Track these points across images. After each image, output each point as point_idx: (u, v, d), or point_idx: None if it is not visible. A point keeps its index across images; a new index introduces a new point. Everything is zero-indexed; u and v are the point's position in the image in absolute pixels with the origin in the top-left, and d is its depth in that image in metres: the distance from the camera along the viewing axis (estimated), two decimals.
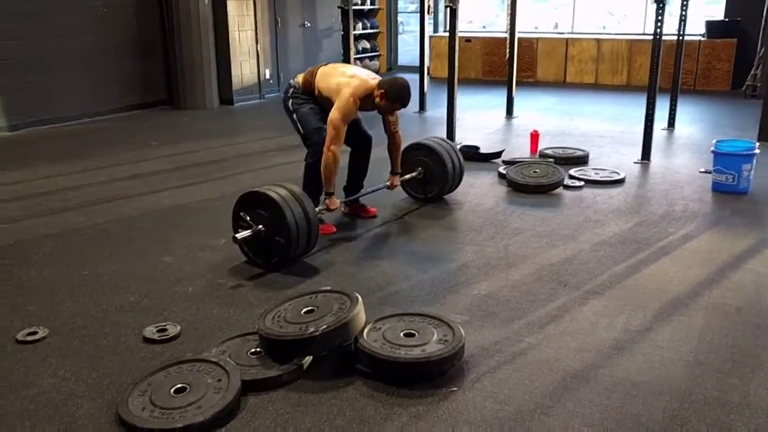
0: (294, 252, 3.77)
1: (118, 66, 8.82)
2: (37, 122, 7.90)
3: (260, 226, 3.75)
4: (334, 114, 4.15)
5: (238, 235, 3.74)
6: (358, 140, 4.61)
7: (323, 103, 4.32)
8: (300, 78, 4.47)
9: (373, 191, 4.74)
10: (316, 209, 3.99)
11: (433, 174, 5.00)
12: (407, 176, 4.94)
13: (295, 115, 4.42)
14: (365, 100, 4.24)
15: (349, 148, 4.66)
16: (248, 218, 3.78)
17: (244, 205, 3.85)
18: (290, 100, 4.45)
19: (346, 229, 4.59)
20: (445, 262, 3.97)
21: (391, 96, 4.21)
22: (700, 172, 5.79)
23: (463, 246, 4.21)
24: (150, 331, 3.10)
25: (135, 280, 3.72)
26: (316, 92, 4.38)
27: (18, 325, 3.19)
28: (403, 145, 4.77)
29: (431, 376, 2.68)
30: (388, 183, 4.75)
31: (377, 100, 4.24)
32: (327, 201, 4.27)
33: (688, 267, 3.83)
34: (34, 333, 3.10)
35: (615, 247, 4.15)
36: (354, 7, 8.91)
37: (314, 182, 4.34)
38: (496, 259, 3.98)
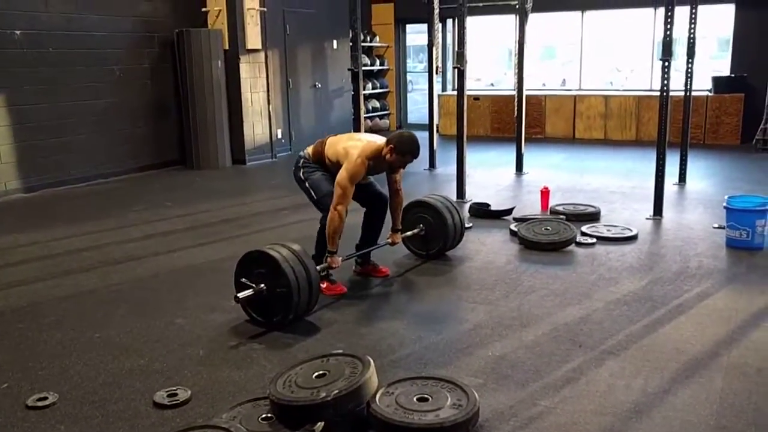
0: (295, 310, 3.78)
1: (133, 127, 8.97)
2: (53, 183, 8.00)
3: (262, 285, 3.77)
4: (341, 174, 4.19)
5: (240, 295, 3.76)
6: (372, 200, 4.65)
7: (333, 170, 4.36)
8: (310, 149, 4.56)
9: (374, 249, 4.74)
10: (318, 267, 4.02)
11: (434, 231, 5.03)
12: (408, 233, 4.97)
13: (307, 183, 4.45)
14: (374, 160, 4.28)
15: (363, 208, 4.70)
16: (250, 278, 3.81)
17: (245, 265, 3.89)
18: (301, 170, 4.51)
19: (357, 288, 4.57)
20: (457, 322, 3.94)
21: (400, 149, 4.25)
22: (714, 227, 5.76)
23: (476, 305, 4.18)
24: (160, 396, 3.07)
25: (146, 343, 3.70)
26: (327, 160, 4.44)
27: (28, 390, 3.17)
28: (404, 203, 4.81)
29: None
30: (389, 240, 4.75)
31: (388, 156, 4.27)
32: (329, 259, 4.27)
33: (705, 326, 3.78)
34: (44, 398, 3.08)
35: (630, 305, 4.10)
36: (364, 68, 9.07)
37: (323, 247, 4.36)
38: (510, 318, 3.94)
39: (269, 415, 2.76)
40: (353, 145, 4.29)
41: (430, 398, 2.78)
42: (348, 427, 2.76)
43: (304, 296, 3.78)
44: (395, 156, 4.26)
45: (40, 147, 7.87)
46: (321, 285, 4.35)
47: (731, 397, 2.99)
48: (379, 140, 4.36)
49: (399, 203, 4.70)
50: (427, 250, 5.10)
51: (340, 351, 3.15)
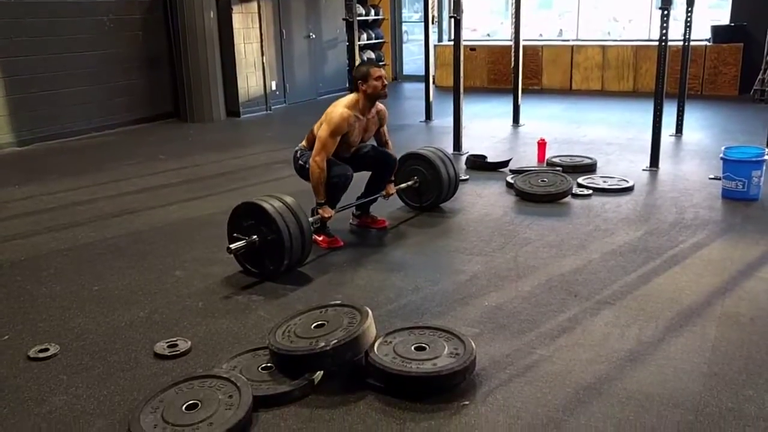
0: (288, 258, 3.78)
1: (125, 80, 8.86)
2: (45, 137, 7.94)
3: (254, 237, 3.79)
4: (323, 128, 4.22)
5: (233, 246, 3.79)
6: (381, 167, 4.66)
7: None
8: (303, 142, 4.51)
9: (369, 201, 4.74)
10: (311, 219, 4.03)
11: (428, 183, 5.03)
12: (403, 185, 4.98)
13: (307, 166, 4.37)
14: (357, 108, 4.30)
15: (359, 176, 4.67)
16: (242, 231, 3.84)
17: (236, 219, 3.91)
18: (299, 159, 4.47)
19: (355, 240, 4.59)
20: (454, 273, 3.96)
21: (362, 74, 4.27)
22: (710, 178, 5.77)
23: (472, 257, 4.20)
24: (161, 347, 3.10)
25: (145, 295, 3.72)
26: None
27: (29, 342, 3.20)
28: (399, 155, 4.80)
29: (443, 390, 2.67)
30: (383, 192, 4.75)
31: (365, 89, 4.28)
32: (320, 210, 4.26)
33: (699, 276, 3.81)
34: (46, 350, 3.10)
35: (625, 256, 4.13)
36: (359, 18, 8.93)
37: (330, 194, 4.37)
38: (506, 269, 3.96)
39: (269, 364, 2.80)
40: (332, 109, 4.30)
41: (427, 347, 2.81)
42: (346, 377, 2.81)
43: (297, 244, 3.78)
44: (367, 84, 4.26)
45: (31, 100, 7.78)
46: (318, 238, 4.37)
47: (724, 345, 3.04)
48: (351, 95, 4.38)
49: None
50: (421, 202, 5.11)
51: (339, 301, 3.18)
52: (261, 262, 3.87)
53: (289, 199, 3.89)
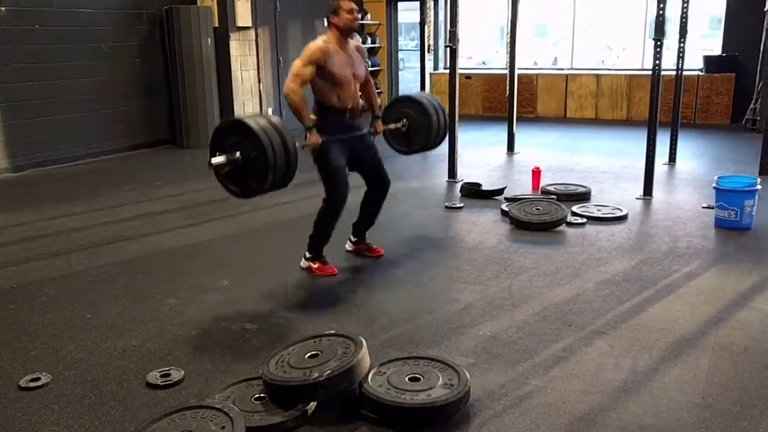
0: (273, 174, 3.65)
1: (122, 106, 8.90)
2: (41, 163, 7.94)
3: (237, 153, 3.66)
4: (296, 61, 4.14)
5: (213, 160, 3.66)
6: (375, 178, 4.57)
7: (324, 88, 4.25)
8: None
9: (358, 135, 4.46)
10: (298, 144, 3.88)
11: (417, 127, 4.97)
12: (391, 126, 4.90)
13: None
14: (332, 42, 4.20)
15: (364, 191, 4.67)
16: (225, 151, 3.68)
17: (220, 134, 3.76)
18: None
19: (349, 269, 4.58)
20: (449, 302, 3.96)
21: (334, 8, 4.21)
22: (703, 207, 5.79)
23: (467, 285, 4.20)
24: (153, 377, 3.08)
25: (138, 324, 3.71)
26: (314, 93, 4.31)
27: (21, 371, 3.18)
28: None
29: (437, 421, 2.66)
30: (371, 129, 4.66)
31: (337, 22, 4.21)
32: (307, 135, 4.12)
33: (693, 306, 3.82)
34: (37, 379, 3.08)
35: (619, 285, 4.14)
36: None
37: (321, 228, 4.33)
38: (501, 299, 3.97)
39: (262, 395, 2.79)
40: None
41: (421, 378, 2.80)
42: (340, 407, 2.79)
43: (281, 160, 3.65)
44: (338, 17, 4.20)
45: (27, 126, 7.79)
46: (312, 265, 4.36)
47: (718, 376, 3.04)
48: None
49: (371, 91, 4.67)
50: (409, 147, 5.04)
51: (333, 331, 3.17)
52: (244, 180, 3.73)
53: (274, 118, 3.80)
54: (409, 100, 5.06)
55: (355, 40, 4.46)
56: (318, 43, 4.19)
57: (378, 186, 4.60)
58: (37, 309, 3.94)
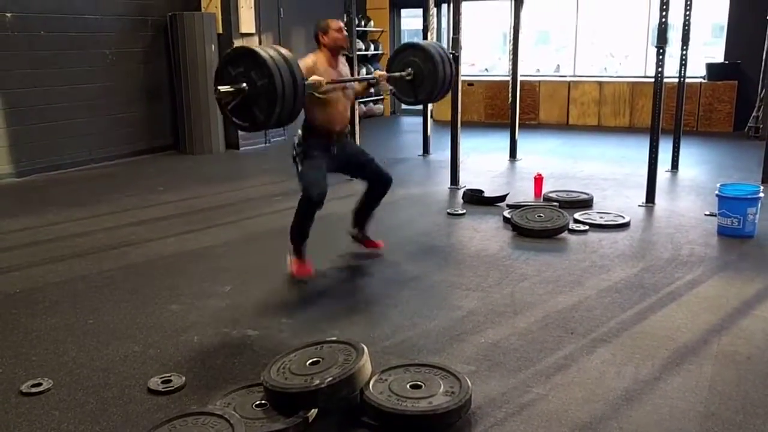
0: (280, 109, 3.59)
1: (126, 112, 8.93)
2: (45, 168, 7.97)
3: (243, 84, 3.60)
4: None
5: (221, 88, 3.59)
6: (377, 182, 4.63)
7: (313, 107, 4.26)
8: (300, 129, 4.45)
9: (359, 79, 4.49)
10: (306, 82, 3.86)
11: (423, 76, 4.87)
12: (396, 74, 4.84)
13: (298, 158, 4.36)
14: (321, 59, 4.27)
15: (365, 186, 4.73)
16: (231, 77, 3.62)
17: (226, 64, 3.69)
18: (294, 149, 4.41)
19: (351, 275, 4.59)
20: (451, 309, 3.95)
21: (323, 27, 4.32)
22: (705, 215, 5.79)
23: (469, 292, 4.20)
24: (155, 383, 3.08)
25: (140, 329, 3.71)
26: (308, 112, 4.31)
27: (22, 376, 3.18)
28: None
29: (438, 429, 2.65)
30: (374, 76, 4.64)
31: (325, 43, 4.30)
32: (313, 78, 4.08)
33: (696, 314, 3.81)
34: (39, 384, 3.08)
35: (621, 293, 4.13)
36: (358, 53, 9.03)
37: (298, 219, 4.31)
38: (503, 306, 3.96)
39: (263, 401, 2.78)
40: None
41: (423, 385, 2.80)
42: (341, 414, 2.79)
43: (289, 92, 3.58)
44: (327, 36, 4.29)
45: (31, 131, 7.82)
46: (292, 259, 4.35)
47: (721, 384, 3.03)
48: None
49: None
50: (415, 96, 4.96)
51: (334, 338, 3.17)
52: (250, 112, 3.66)
53: (283, 50, 3.72)
54: (414, 47, 4.93)
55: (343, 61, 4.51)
56: (307, 61, 4.22)
57: (380, 184, 4.64)
58: (40, 314, 3.94)
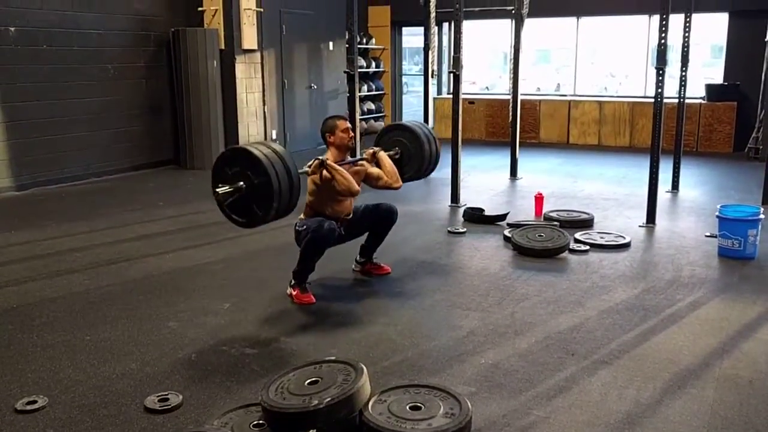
0: (278, 204, 3.68)
1: (127, 126, 8.94)
2: (44, 182, 7.96)
3: (241, 183, 3.68)
4: (308, 181, 4.32)
5: (219, 190, 3.68)
6: (380, 219, 4.66)
7: (320, 199, 4.38)
8: (301, 215, 4.46)
9: (350, 162, 4.52)
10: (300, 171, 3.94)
11: (410, 155, 4.99)
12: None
13: (300, 229, 4.37)
14: (331, 159, 4.28)
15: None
16: (227, 181, 3.70)
17: (222, 164, 3.78)
18: (296, 227, 4.42)
19: (351, 294, 4.57)
20: (451, 329, 3.93)
21: (328, 128, 4.39)
22: (706, 236, 5.77)
23: (469, 312, 4.17)
24: (151, 401, 3.05)
25: (137, 346, 3.68)
26: (311, 202, 4.42)
27: (17, 393, 3.15)
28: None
29: None
30: (365, 155, 4.66)
31: (332, 139, 4.37)
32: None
33: (697, 336, 3.79)
34: (34, 402, 3.05)
35: (622, 314, 4.11)
36: (360, 70, 9.06)
37: (304, 259, 4.30)
38: (503, 326, 3.94)
39: (261, 421, 2.75)
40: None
41: (422, 407, 2.77)
42: None
43: (285, 186, 3.68)
44: (334, 135, 4.37)
45: (32, 145, 7.82)
46: (293, 291, 4.33)
47: (723, 408, 3.00)
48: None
49: (388, 170, 4.64)
50: (402, 174, 4.97)
51: (333, 357, 3.14)
52: (248, 210, 3.74)
53: (274, 145, 3.82)
54: (401, 128, 5.10)
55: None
56: (313, 177, 4.30)
57: (385, 222, 4.69)
58: (36, 330, 3.92)
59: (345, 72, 7.37)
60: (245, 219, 3.81)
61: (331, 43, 11.37)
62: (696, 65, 9.62)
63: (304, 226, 4.30)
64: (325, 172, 4.18)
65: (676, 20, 6.60)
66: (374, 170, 4.62)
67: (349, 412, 2.70)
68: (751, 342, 3.71)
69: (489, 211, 6.52)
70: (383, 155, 4.67)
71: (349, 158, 4.55)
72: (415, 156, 5.00)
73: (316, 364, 3.00)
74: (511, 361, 3.47)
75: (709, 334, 3.81)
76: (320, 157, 4.22)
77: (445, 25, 12.60)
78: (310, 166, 4.16)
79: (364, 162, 4.62)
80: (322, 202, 4.38)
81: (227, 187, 3.69)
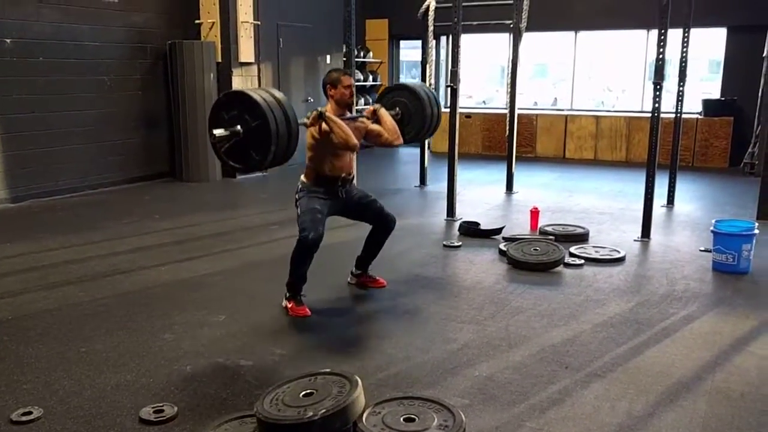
0: (276, 148, 3.63)
1: (123, 138, 8.96)
2: (40, 194, 7.96)
3: (238, 127, 3.64)
4: (307, 134, 4.28)
5: (216, 132, 3.63)
6: (380, 223, 4.65)
7: (320, 155, 4.32)
8: (302, 176, 4.47)
9: (350, 118, 4.46)
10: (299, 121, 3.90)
11: (411, 115, 4.92)
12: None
13: (297, 203, 4.38)
14: (331, 111, 4.25)
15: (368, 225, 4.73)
16: (224, 120, 3.67)
17: (219, 108, 3.74)
18: (296, 194, 4.43)
19: (346, 307, 4.58)
20: (445, 341, 3.94)
21: (333, 80, 4.33)
22: (701, 250, 5.80)
23: (464, 325, 4.19)
24: (147, 412, 3.05)
25: (133, 358, 3.68)
26: (311, 158, 4.38)
27: (12, 405, 3.15)
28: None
29: None
30: (365, 112, 4.61)
31: (332, 95, 4.32)
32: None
33: (690, 349, 3.81)
34: (29, 413, 3.05)
35: (616, 327, 4.13)
36: (357, 84, 9.12)
37: (294, 267, 4.32)
38: (497, 339, 3.95)
39: None
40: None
41: (416, 419, 2.78)
42: None
43: (283, 129, 3.63)
44: (335, 90, 4.32)
45: (28, 156, 7.84)
46: (288, 304, 4.34)
47: (714, 421, 3.01)
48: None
49: (389, 127, 4.56)
50: (402, 136, 4.86)
51: (328, 370, 3.15)
52: (246, 155, 3.70)
53: (276, 92, 3.76)
54: (402, 88, 4.99)
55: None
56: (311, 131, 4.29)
57: (383, 226, 4.66)
58: (32, 341, 3.92)
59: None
60: (243, 164, 3.75)
61: (328, 57, 11.42)
62: (693, 80, 9.70)
63: (299, 202, 4.30)
64: (323, 124, 4.13)
65: (674, 35, 6.67)
66: (375, 127, 4.55)
67: (343, 424, 2.71)
68: (743, 356, 3.73)
69: (485, 225, 6.54)
70: (384, 112, 4.58)
71: (348, 114, 4.46)
72: (415, 116, 4.90)
73: (311, 376, 3.02)
74: (505, 374, 3.48)
75: (702, 348, 3.83)
76: (319, 109, 4.17)
77: (443, 38, 12.68)
78: (308, 118, 4.12)
79: (364, 119, 4.56)
80: (322, 159, 4.31)
81: (224, 131, 3.63)
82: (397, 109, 4.94)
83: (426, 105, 4.92)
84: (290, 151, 3.80)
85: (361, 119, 4.56)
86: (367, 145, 4.72)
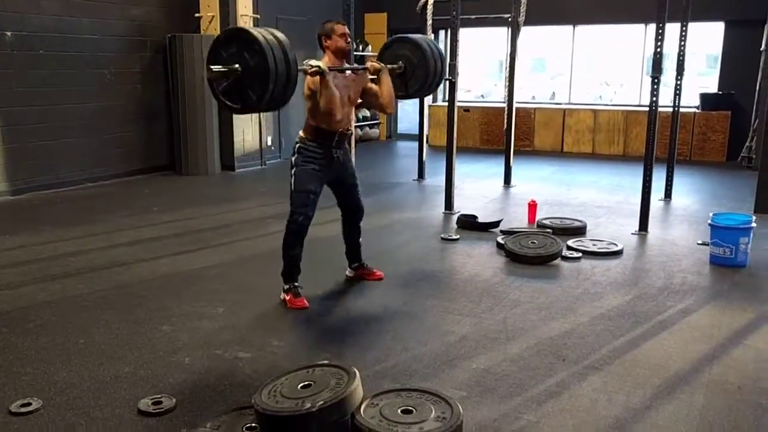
0: (273, 86, 3.54)
1: (122, 131, 8.96)
2: (40, 187, 7.97)
3: (236, 65, 3.56)
4: (305, 86, 4.19)
5: (213, 67, 3.55)
6: (348, 206, 4.63)
7: (317, 106, 4.23)
8: (301, 132, 4.40)
9: (351, 69, 4.43)
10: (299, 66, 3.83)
11: (414, 69, 4.82)
12: (387, 67, 4.72)
13: (292, 171, 4.33)
14: (331, 68, 4.17)
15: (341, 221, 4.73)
16: (222, 58, 3.58)
17: (218, 46, 3.66)
18: (293, 156, 4.36)
19: (344, 299, 4.59)
20: (443, 334, 3.95)
21: (327, 31, 4.27)
22: (698, 244, 5.82)
23: (461, 317, 4.20)
24: (145, 404, 3.07)
25: (131, 350, 3.69)
26: (311, 116, 4.31)
27: (12, 396, 3.16)
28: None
29: None
30: (367, 66, 4.54)
31: (328, 46, 4.27)
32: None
33: (687, 342, 3.82)
34: (28, 404, 3.06)
35: (613, 320, 4.14)
36: None
37: (285, 251, 4.34)
38: (495, 331, 3.96)
39: (254, 425, 2.78)
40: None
41: (414, 410, 2.79)
42: None
43: (281, 68, 3.55)
44: (331, 40, 4.27)
45: (28, 149, 7.84)
46: (286, 296, 4.35)
47: (712, 414, 3.03)
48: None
49: (386, 92, 4.51)
50: (406, 90, 4.89)
51: (326, 361, 3.16)
52: (243, 93, 3.62)
53: (277, 32, 3.67)
54: (405, 41, 4.88)
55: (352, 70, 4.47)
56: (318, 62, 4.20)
57: (350, 213, 4.66)
58: (31, 333, 3.93)
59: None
60: (239, 104, 3.68)
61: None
62: (691, 74, 9.70)
63: (295, 172, 4.26)
64: (318, 79, 4.05)
65: (672, 29, 6.67)
66: (374, 87, 4.51)
67: (341, 416, 2.72)
68: (740, 348, 3.75)
69: (482, 219, 6.55)
70: (386, 77, 4.51)
71: (347, 65, 4.38)
72: (419, 70, 4.78)
73: (309, 368, 3.02)
74: (502, 366, 3.50)
75: (700, 341, 3.85)
76: (321, 65, 4.07)
77: (442, 32, 12.65)
78: (309, 66, 4.03)
79: (365, 73, 4.49)
80: (320, 110, 4.21)
81: (221, 67, 3.56)
82: (400, 63, 4.83)
83: (429, 57, 4.80)
84: (288, 94, 3.69)
85: (361, 72, 4.49)
86: (360, 104, 4.65)
